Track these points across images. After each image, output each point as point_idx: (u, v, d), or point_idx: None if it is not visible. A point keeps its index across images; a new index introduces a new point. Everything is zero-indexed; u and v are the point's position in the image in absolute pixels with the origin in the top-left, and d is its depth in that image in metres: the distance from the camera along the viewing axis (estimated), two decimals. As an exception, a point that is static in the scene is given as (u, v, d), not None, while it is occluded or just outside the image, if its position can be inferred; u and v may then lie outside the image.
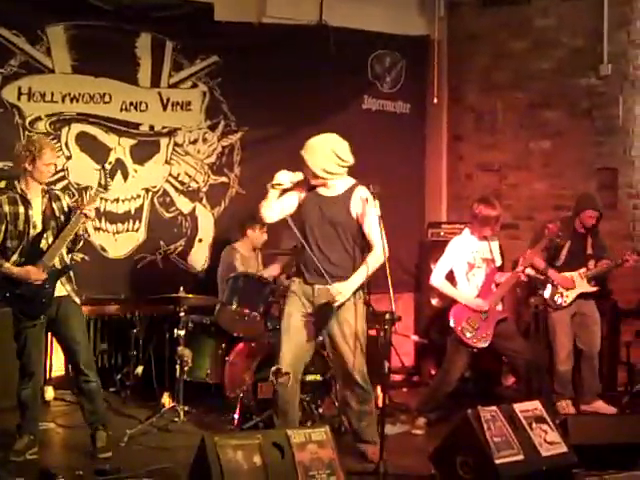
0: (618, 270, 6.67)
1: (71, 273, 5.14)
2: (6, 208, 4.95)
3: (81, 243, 5.26)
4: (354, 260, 5.04)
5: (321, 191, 5.07)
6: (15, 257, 4.96)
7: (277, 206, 5.08)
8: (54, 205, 5.11)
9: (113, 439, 5.25)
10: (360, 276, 4.98)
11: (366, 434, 5.18)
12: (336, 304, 4.92)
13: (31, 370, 5.05)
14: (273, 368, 4.95)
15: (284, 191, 5.07)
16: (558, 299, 6.49)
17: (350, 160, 5.04)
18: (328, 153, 4.96)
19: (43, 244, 4.98)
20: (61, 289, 5.07)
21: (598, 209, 6.52)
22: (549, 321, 6.57)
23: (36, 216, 5.02)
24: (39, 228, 5.00)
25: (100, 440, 5.10)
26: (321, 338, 5.25)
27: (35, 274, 4.90)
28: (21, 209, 4.98)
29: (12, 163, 6.03)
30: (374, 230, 5.01)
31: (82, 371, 5.10)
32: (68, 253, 5.16)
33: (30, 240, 4.97)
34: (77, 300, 5.14)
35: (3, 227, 4.94)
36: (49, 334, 5.41)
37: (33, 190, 5.04)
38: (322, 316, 5.05)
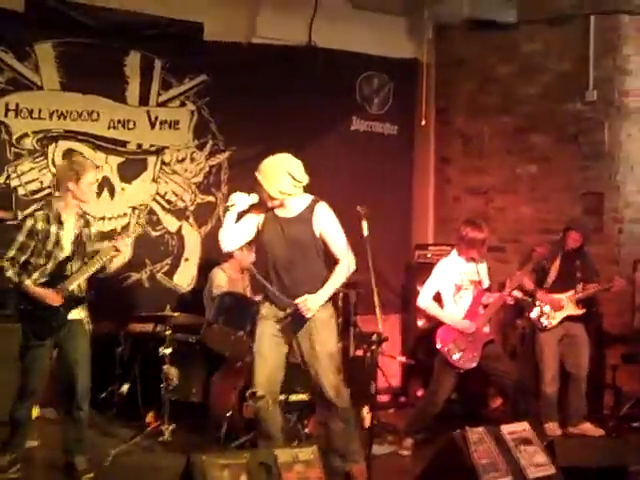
0: (605, 294, 6.70)
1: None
2: (39, 225, 4.93)
3: (104, 273, 5.19)
4: (322, 277, 4.99)
5: (279, 212, 5.00)
6: (36, 275, 4.93)
7: (236, 232, 5.01)
8: (85, 230, 5.09)
9: (97, 459, 5.18)
10: (327, 290, 4.93)
11: (348, 453, 5.08)
12: (308, 316, 4.86)
13: (31, 390, 4.99)
14: (248, 392, 4.91)
15: (241, 215, 5.01)
16: (544, 321, 6.51)
17: (305, 180, 4.96)
18: (282, 174, 4.88)
19: (68, 269, 4.96)
20: (75, 314, 5.03)
21: (579, 230, 6.57)
22: (536, 343, 6.58)
23: (65, 238, 4.99)
24: (66, 250, 4.98)
25: (81, 464, 5.02)
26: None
27: (52, 298, 4.87)
28: (53, 228, 4.96)
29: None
30: (339, 244, 4.99)
31: (78, 396, 5.01)
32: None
33: (57, 263, 4.94)
34: (88, 327, 5.08)
35: (32, 243, 4.91)
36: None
37: (69, 211, 5.03)
38: (294, 336, 4.99)
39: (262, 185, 4.91)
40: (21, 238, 4.91)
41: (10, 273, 4.86)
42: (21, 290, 4.89)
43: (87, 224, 5.15)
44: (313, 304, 4.87)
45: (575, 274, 6.59)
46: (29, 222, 4.94)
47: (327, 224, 4.99)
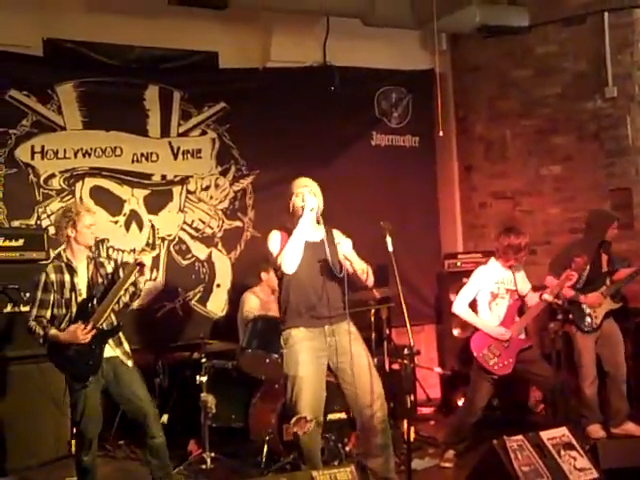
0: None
1: (122, 336, 5.03)
2: (52, 277, 4.93)
3: (138, 295, 5.11)
4: (343, 296, 4.98)
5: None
6: (63, 325, 4.90)
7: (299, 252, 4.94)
8: (100, 271, 5.05)
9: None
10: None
11: (385, 471, 4.98)
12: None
13: (90, 437, 4.94)
14: (294, 419, 4.81)
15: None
16: (589, 320, 6.43)
17: None
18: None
19: (91, 308, 4.90)
20: (111, 351, 4.96)
21: (617, 218, 6.57)
22: (575, 345, 6.46)
23: (81, 283, 4.98)
24: (84, 295, 4.96)
25: None
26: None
27: (81, 335, 4.80)
28: (67, 277, 4.95)
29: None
30: (358, 259, 5.01)
31: (150, 427, 4.98)
32: (125, 307, 5.08)
33: (78, 305, 4.91)
34: (129, 363, 5.01)
35: (51, 297, 4.91)
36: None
37: (78, 257, 5.01)
38: (334, 353, 4.97)
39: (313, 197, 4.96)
40: (39, 295, 4.90)
41: (38, 329, 4.85)
42: (50, 341, 4.86)
43: (102, 265, 5.09)
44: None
45: (602, 268, 6.53)
46: (42, 277, 4.92)
47: (348, 246, 5.06)
